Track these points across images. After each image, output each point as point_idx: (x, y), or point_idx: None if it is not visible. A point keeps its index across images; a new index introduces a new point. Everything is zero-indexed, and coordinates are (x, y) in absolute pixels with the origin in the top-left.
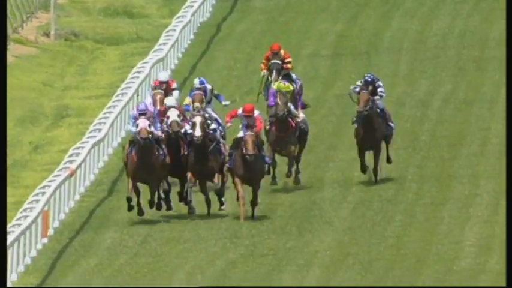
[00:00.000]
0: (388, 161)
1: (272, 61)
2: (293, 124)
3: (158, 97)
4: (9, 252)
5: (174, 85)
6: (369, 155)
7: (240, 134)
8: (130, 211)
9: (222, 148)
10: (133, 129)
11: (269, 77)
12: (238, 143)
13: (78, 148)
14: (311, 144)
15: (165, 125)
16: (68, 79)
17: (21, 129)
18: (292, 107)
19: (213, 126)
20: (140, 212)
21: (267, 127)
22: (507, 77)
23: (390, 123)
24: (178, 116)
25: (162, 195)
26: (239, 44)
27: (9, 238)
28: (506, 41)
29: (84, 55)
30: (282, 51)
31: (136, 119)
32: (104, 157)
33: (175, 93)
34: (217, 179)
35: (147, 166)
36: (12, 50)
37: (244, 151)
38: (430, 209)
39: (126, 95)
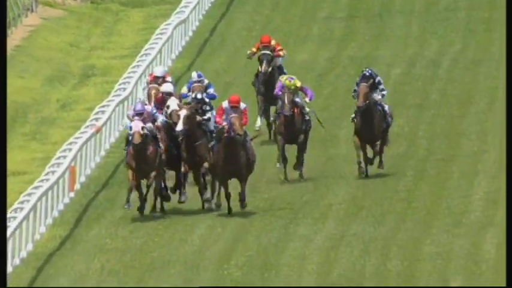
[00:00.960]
0: (380, 165)
1: (262, 52)
2: (299, 115)
3: (153, 92)
4: (37, 205)
5: (169, 78)
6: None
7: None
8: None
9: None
10: (129, 123)
11: (259, 67)
12: (220, 134)
13: (103, 106)
14: (327, 103)
15: (164, 114)
16: (93, 40)
17: (49, 88)
18: (297, 98)
19: (208, 115)
20: (127, 205)
21: (272, 119)
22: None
23: (388, 118)
24: (179, 105)
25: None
26: (258, 6)
27: (38, 192)
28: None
29: (109, 17)
30: (273, 42)
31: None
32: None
33: (169, 85)
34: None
35: (144, 161)
36: (41, 12)
37: (232, 133)
38: (440, 165)
39: (149, 55)
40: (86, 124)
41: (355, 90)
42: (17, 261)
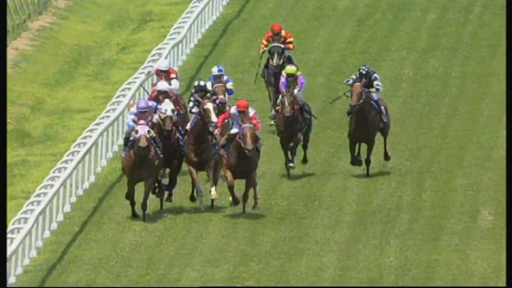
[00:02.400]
0: (386, 157)
1: (273, 44)
2: (298, 112)
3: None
4: (99, 140)
5: (173, 75)
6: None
7: (233, 130)
8: (134, 207)
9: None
10: (131, 123)
11: (270, 60)
12: (231, 139)
13: (159, 49)
14: (366, 46)
15: (156, 116)
16: None
17: (109, 32)
18: (299, 95)
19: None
20: (134, 214)
21: (274, 113)
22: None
23: (384, 118)
24: (173, 110)
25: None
26: None
27: (99, 128)
28: None
29: None
30: (283, 32)
31: (135, 119)
32: (183, 56)
33: (174, 82)
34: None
35: (143, 164)
36: None
37: (242, 145)
38: (471, 103)
39: (202, 1)
40: (144, 65)
41: (354, 79)
42: (80, 191)
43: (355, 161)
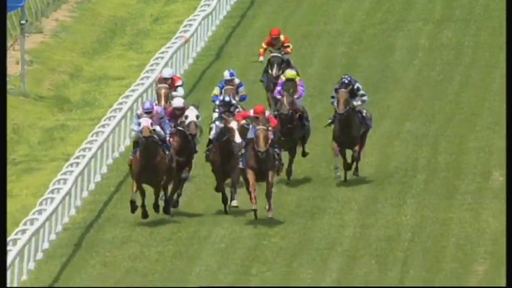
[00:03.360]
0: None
1: (272, 54)
2: (297, 118)
3: (162, 91)
4: (134, 106)
5: (179, 82)
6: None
7: (250, 134)
8: (134, 212)
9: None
10: (136, 127)
11: (269, 71)
12: (248, 143)
13: (191, 20)
14: (385, 17)
15: (178, 123)
16: None
17: (143, 4)
18: (298, 102)
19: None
20: (144, 214)
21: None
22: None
23: (368, 123)
24: (197, 116)
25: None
26: None
27: (134, 95)
28: None
29: None
30: (281, 36)
31: (139, 117)
32: (212, 27)
33: (180, 90)
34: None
35: (151, 167)
36: None
37: (255, 147)
38: (483, 71)
39: None
40: (176, 36)
41: (333, 97)
42: (116, 154)
43: (346, 165)
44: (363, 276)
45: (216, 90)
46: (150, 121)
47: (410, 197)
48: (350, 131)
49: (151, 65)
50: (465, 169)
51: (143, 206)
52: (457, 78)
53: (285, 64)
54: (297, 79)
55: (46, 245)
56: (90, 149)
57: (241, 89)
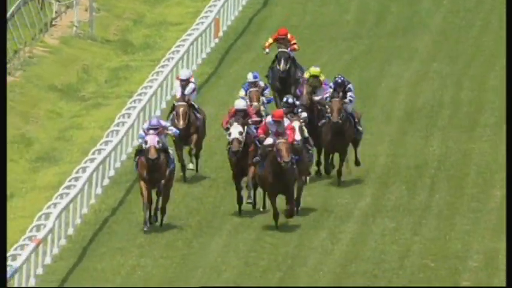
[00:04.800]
0: (357, 163)
1: (280, 50)
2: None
3: (181, 110)
4: (190, 48)
5: (192, 80)
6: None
7: (268, 141)
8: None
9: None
10: (142, 136)
11: (277, 66)
12: (266, 150)
13: None
14: None
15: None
16: None
17: None
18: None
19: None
20: (153, 219)
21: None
22: None
23: (359, 128)
24: (240, 132)
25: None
26: None
27: (190, 39)
28: None
29: None
30: (289, 35)
31: (145, 132)
32: None
33: (191, 85)
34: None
35: (155, 179)
36: None
37: (278, 159)
38: (502, 17)
39: None
40: None
41: (327, 96)
42: (174, 92)
43: (328, 169)
44: (394, 200)
45: (241, 92)
46: (156, 139)
47: (436, 130)
48: (342, 138)
49: (206, 12)
50: (485, 105)
51: (149, 213)
52: (478, 23)
53: (291, 60)
54: (322, 77)
55: (112, 173)
56: (151, 87)
57: (266, 92)
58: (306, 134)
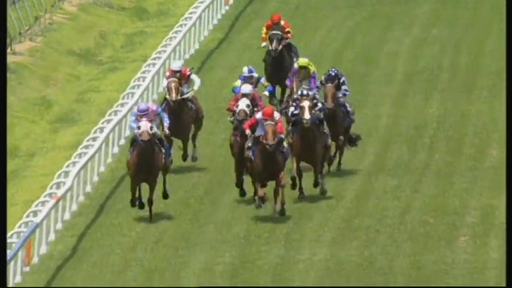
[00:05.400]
0: (354, 142)
1: (272, 31)
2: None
3: (173, 85)
4: (202, 15)
5: (188, 72)
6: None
7: (258, 133)
8: (135, 206)
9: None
10: (135, 126)
11: (269, 46)
12: (257, 140)
13: None
14: None
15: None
16: None
17: None
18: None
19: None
20: (140, 205)
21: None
22: None
23: (351, 117)
24: (247, 105)
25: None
26: None
27: (202, 6)
28: None
29: None
30: (282, 22)
31: (137, 118)
32: None
33: (194, 77)
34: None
35: (147, 167)
36: None
37: (264, 141)
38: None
39: None
40: None
41: (317, 87)
42: (187, 55)
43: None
44: (395, 159)
45: (238, 82)
46: (149, 125)
47: (435, 92)
48: (334, 125)
49: None
50: (482, 68)
51: (139, 196)
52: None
53: (284, 41)
54: (311, 68)
55: (127, 133)
56: (164, 51)
57: (262, 80)
58: (321, 116)
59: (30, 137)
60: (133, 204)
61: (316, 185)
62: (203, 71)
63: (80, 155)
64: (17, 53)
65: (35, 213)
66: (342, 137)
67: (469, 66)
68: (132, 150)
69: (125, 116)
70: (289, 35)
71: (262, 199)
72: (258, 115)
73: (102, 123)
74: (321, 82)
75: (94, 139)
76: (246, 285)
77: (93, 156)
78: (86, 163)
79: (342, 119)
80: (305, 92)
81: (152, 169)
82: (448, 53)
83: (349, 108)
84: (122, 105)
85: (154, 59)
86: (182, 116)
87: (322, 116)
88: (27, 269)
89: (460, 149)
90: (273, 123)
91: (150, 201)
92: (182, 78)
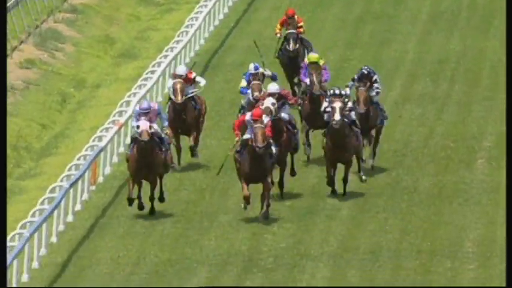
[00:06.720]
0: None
1: (288, 31)
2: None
3: (178, 86)
4: (213, 4)
5: (193, 75)
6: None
7: (247, 136)
8: (131, 205)
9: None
10: (135, 123)
11: (287, 46)
12: (245, 143)
13: None
14: None
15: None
16: None
17: None
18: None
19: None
20: (140, 206)
21: (300, 102)
22: None
23: (384, 114)
24: (273, 104)
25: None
26: None
27: None
28: None
29: None
30: (296, 16)
31: (137, 118)
32: None
33: (199, 78)
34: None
35: (147, 165)
36: None
37: (253, 144)
38: None
39: None
40: None
41: (347, 86)
42: (225, 9)
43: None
44: (420, 90)
45: (243, 83)
46: (148, 124)
47: (456, 30)
48: (368, 123)
49: None
50: (498, 9)
51: (139, 197)
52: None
53: (299, 40)
54: (321, 62)
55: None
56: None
57: (266, 73)
58: (353, 116)
59: (96, 70)
60: (130, 203)
61: (345, 180)
62: (220, 53)
63: (139, 86)
64: None
65: (100, 138)
66: (372, 132)
67: (485, 7)
68: (132, 147)
69: (180, 52)
70: (301, 29)
71: (248, 199)
72: (247, 115)
73: (160, 58)
74: (352, 79)
75: (152, 72)
76: (253, 279)
77: (151, 88)
78: (145, 95)
79: (375, 117)
80: (337, 92)
81: (152, 167)
82: (456, 37)
83: (381, 106)
84: (177, 42)
85: (206, 0)
86: (187, 112)
87: (353, 117)
88: (93, 187)
89: (477, 81)
90: (262, 125)
91: (152, 199)
92: (187, 81)
